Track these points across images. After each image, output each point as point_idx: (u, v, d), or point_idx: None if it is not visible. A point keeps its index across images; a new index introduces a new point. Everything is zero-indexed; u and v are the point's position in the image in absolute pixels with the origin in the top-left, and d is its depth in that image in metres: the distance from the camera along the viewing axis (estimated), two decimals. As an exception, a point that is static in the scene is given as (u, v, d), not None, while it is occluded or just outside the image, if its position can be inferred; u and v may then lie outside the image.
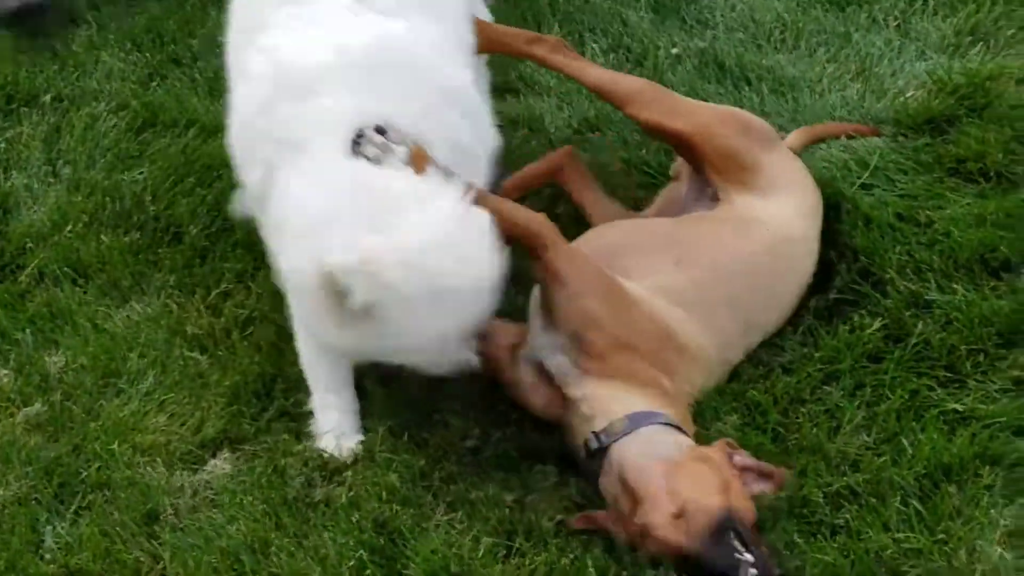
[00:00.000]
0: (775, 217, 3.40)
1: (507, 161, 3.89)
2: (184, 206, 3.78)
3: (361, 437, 3.08)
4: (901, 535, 2.83)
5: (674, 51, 4.48)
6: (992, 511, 2.88)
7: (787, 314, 3.37)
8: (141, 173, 3.94)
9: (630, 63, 4.46)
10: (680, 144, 3.44)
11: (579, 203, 3.60)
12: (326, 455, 3.03)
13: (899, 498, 2.91)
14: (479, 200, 2.78)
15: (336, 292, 2.58)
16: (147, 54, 4.63)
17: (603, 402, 2.91)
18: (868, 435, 3.10)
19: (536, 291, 3.12)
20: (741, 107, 4.18)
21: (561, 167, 3.60)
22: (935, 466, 2.97)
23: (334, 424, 3.07)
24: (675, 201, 3.57)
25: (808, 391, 3.20)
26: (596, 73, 3.55)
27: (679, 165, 3.63)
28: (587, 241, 3.30)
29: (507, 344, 3.08)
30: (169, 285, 3.58)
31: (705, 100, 4.21)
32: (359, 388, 3.17)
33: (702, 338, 3.12)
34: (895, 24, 4.60)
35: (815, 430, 3.08)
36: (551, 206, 3.66)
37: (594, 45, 4.55)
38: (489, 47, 3.50)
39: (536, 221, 3.04)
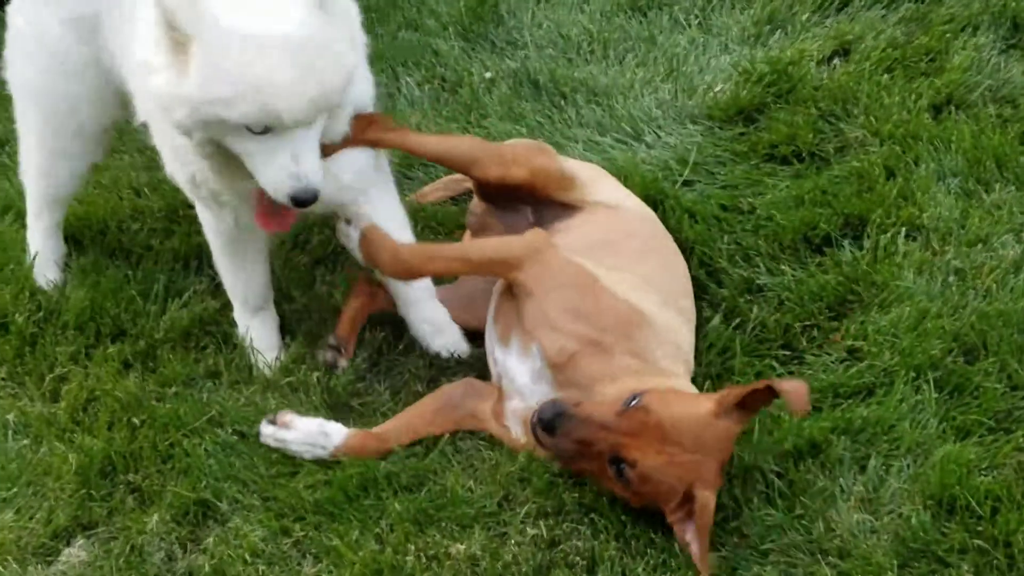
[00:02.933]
0: (626, 201, 3.49)
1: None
2: (7, 295, 3.66)
3: (276, 352, 3.34)
4: (761, 513, 2.89)
5: (487, 75, 4.52)
6: (842, 480, 2.97)
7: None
8: (-42, 267, 3.81)
9: (446, 91, 4.49)
10: (520, 187, 3.46)
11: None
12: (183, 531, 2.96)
13: (760, 479, 2.98)
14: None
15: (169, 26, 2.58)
16: (-48, 144, 4.50)
17: None
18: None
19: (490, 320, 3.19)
20: (559, 120, 4.27)
21: (374, 300, 3.51)
22: (794, 446, 3.05)
23: (253, 338, 3.28)
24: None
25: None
26: (432, 142, 3.55)
27: (475, 207, 3.64)
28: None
29: (493, 407, 3.14)
30: (0, 378, 3.45)
31: (523, 117, 4.28)
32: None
33: (680, 321, 3.18)
34: (696, 22, 4.73)
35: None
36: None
37: (408, 78, 4.57)
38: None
39: (500, 251, 3.13)
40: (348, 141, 3.07)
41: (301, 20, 2.67)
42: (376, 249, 3.16)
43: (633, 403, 2.76)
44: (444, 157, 3.52)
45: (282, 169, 2.76)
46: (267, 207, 2.95)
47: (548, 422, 2.79)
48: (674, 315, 3.18)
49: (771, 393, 2.77)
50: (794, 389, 2.76)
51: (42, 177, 3.65)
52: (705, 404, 2.80)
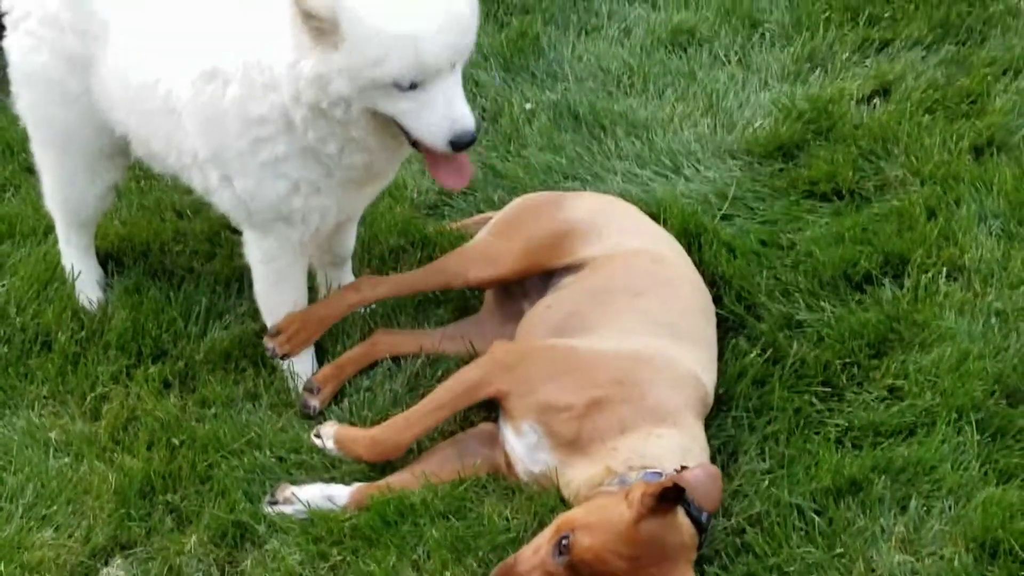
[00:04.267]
0: (634, 239, 3.49)
1: (374, 229, 3.93)
2: (51, 313, 3.69)
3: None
4: (801, 551, 2.87)
5: (528, 106, 4.55)
6: (882, 519, 2.95)
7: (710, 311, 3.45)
8: (3, 285, 3.84)
9: (486, 121, 4.52)
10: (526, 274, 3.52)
11: (417, 353, 3.55)
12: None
13: (796, 516, 2.97)
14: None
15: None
16: (-2, 166, 4.56)
17: (588, 475, 2.96)
18: (763, 462, 3.15)
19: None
20: (599, 152, 4.29)
21: (375, 347, 3.55)
22: (833, 483, 3.04)
23: (292, 362, 3.46)
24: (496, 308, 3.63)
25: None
26: (412, 276, 3.60)
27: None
28: (529, 331, 3.36)
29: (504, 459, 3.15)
30: (43, 396, 3.48)
31: (563, 148, 4.30)
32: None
33: (684, 352, 3.19)
34: (736, 59, 4.76)
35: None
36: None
37: (449, 108, 4.59)
38: (319, 329, 3.51)
39: (465, 380, 3.16)
40: None
41: None
42: (352, 445, 3.18)
43: (561, 554, 2.72)
44: (429, 284, 3.57)
45: (438, 117, 2.94)
46: (440, 163, 3.08)
47: None
48: (675, 345, 3.19)
49: (680, 489, 2.73)
50: (701, 483, 2.75)
51: (63, 202, 3.74)
52: (625, 514, 2.74)
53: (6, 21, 3.50)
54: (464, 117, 2.95)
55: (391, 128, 3.03)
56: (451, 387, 3.19)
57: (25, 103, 3.58)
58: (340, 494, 3.09)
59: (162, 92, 3.20)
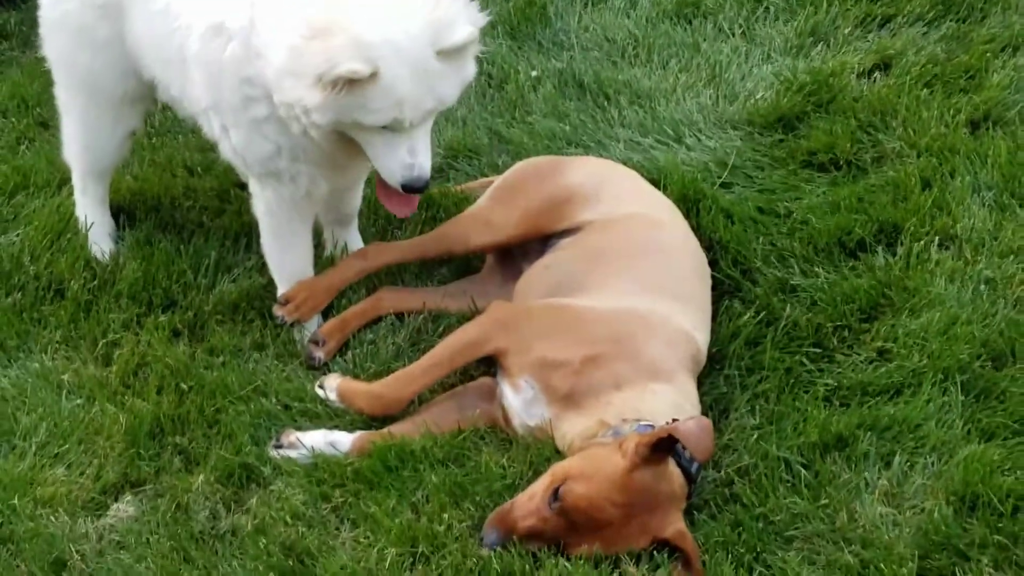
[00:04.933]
0: (632, 204, 3.57)
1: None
2: (64, 263, 3.79)
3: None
4: (787, 501, 2.97)
5: (533, 73, 4.63)
6: (867, 474, 3.05)
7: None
8: (17, 235, 3.94)
9: (492, 88, 4.60)
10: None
11: (420, 310, 3.63)
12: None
13: (783, 469, 3.06)
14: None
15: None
16: (13, 119, 4.65)
17: (581, 427, 3.05)
18: (753, 418, 3.25)
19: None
20: (603, 120, 4.37)
21: (379, 303, 3.64)
22: (820, 439, 3.13)
23: None
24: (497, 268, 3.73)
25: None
26: (417, 242, 3.71)
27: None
28: (527, 290, 3.45)
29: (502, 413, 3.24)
30: (56, 341, 3.58)
31: (567, 116, 4.38)
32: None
33: (679, 311, 3.28)
34: (740, 32, 4.83)
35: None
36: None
37: (456, 74, 4.67)
38: (327, 296, 3.60)
39: (464, 338, 3.24)
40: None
41: (430, 48, 3.04)
42: (354, 398, 3.26)
43: (555, 501, 2.82)
44: (441, 237, 3.66)
45: (399, 160, 3.14)
46: (391, 192, 3.28)
47: (492, 546, 2.85)
48: (669, 305, 3.28)
49: (673, 439, 2.84)
50: (694, 434, 2.86)
51: (84, 150, 3.84)
52: (619, 463, 2.84)
53: None
54: (422, 166, 3.15)
55: (353, 143, 3.19)
56: (450, 344, 3.27)
57: (54, 47, 3.68)
58: (343, 440, 3.19)
59: (178, 41, 3.30)
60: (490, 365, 3.34)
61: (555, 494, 2.83)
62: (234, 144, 3.35)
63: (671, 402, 3.08)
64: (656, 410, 3.03)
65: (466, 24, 3.08)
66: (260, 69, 3.13)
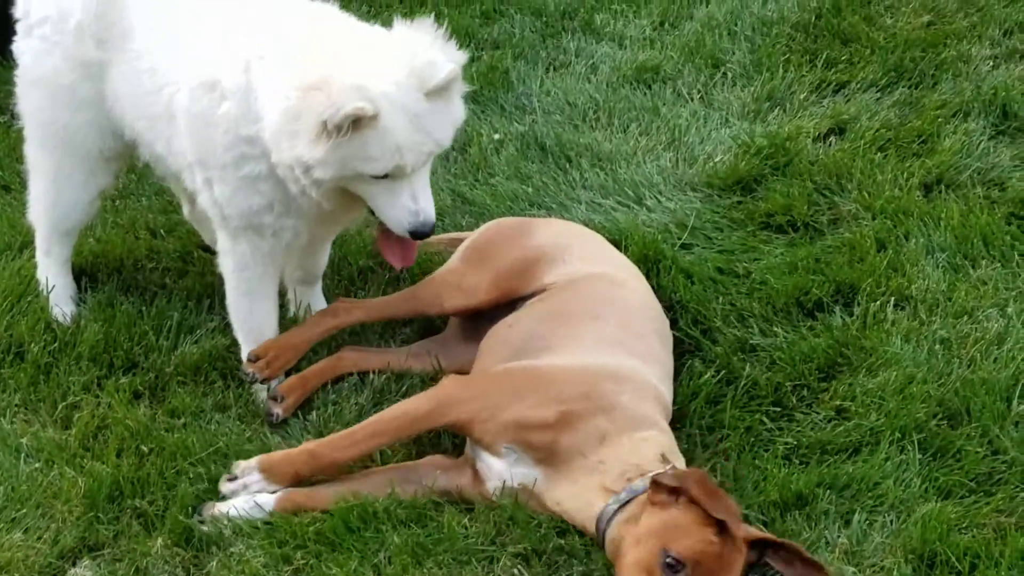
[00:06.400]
0: (594, 265, 3.61)
1: (343, 250, 4.04)
2: (24, 325, 3.78)
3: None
4: (747, 561, 2.98)
5: (496, 136, 4.69)
6: (827, 532, 3.07)
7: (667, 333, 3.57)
8: (-23, 297, 3.93)
9: (455, 151, 4.65)
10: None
11: (383, 369, 3.63)
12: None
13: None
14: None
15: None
16: (-26, 182, 4.65)
17: (579, 498, 3.05)
18: (715, 477, 3.26)
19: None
20: (564, 182, 4.43)
21: (340, 362, 3.64)
22: (780, 497, 3.16)
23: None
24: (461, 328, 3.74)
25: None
26: (387, 302, 3.72)
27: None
28: (491, 350, 3.46)
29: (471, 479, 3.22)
30: (15, 404, 3.55)
31: (530, 178, 4.44)
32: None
33: (642, 367, 3.30)
34: (699, 96, 4.93)
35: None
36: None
37: (420, 137, 4.72)
38: (296, 354, 3.58)
39: (413, 410, 3.22)
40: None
41: (419, 91, 3.11)
42: (280, 464, 3.19)
43: (679, 567, 2.80)
44: (408, 300, 3.68)
45: (403, 207, 3.20)
46: (391, 244, 3.34)
47: None
48: (632, 360, 3.31)
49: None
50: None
51: (52, 208, 3.83)
52: (679, 512, 2.87)
53: (20, 26, 3.63)
54: (426, 210, 3.21)
55: (353, 197, 3.24)
56: (397, 415, 3.24)
57: (31, 103, 3.70)
58: (267, 501, 3.15)
59: (166, 98, 3.35)
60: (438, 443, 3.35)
61: (672, 567, 2.80)
62: (216, 197, 3.38)
63: (664, 445, 3.09)
64: (651, 457, 3.04)
65: (447, 62, 3.15)
66: (259, 131, 3.20)
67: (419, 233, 3.23)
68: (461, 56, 3.23)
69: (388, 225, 3.26)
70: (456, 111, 3.24)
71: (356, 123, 3.03)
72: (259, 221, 3.36)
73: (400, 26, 3.24)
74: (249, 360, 3.53)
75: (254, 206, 3.33)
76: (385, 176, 3.15)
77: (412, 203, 3.19)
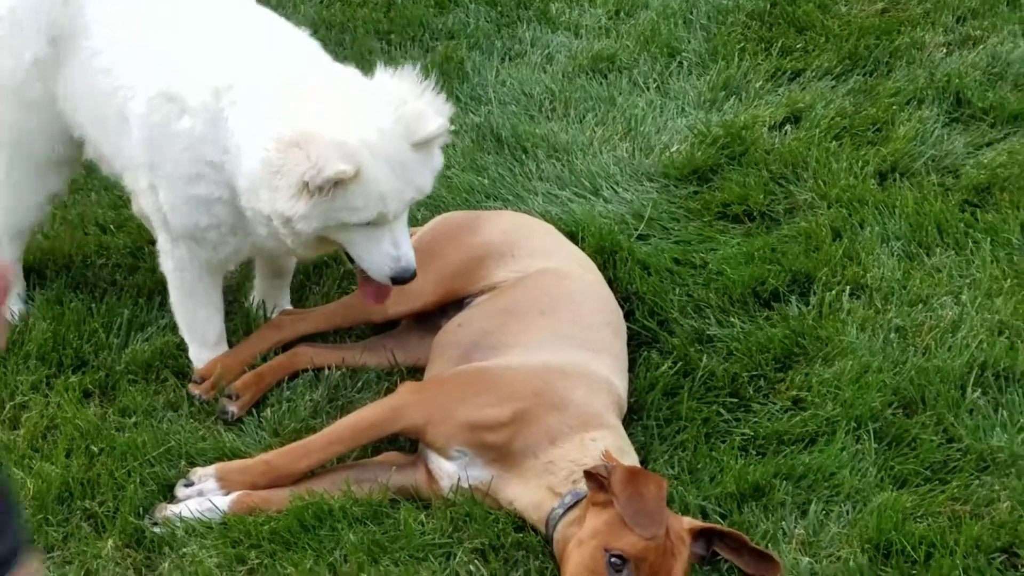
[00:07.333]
0: (546, 260, 3.58)
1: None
2: (-30, 324, 3.70)
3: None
4: (704, 553, 2.98)
5: (451, 128, 4.62)
6: (784, 523, 3.07)
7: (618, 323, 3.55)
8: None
9: (410, 143, 4.60)
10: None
11: (339, 365, 3.60)
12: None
13: (701, 519, 3.07)
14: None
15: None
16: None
17: (530, 498, 3.05)
18: (672, 468, 3.26)
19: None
20: (520, 174, 4.40)
21: (295, 358, 3.61)
22: (737, 488, 3.15)
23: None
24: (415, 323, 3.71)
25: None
26: (332, 311, 3.71)
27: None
28: (442, 350, 3.43)
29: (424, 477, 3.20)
30: (-39, 406, 3.49)
31: (485, 169, 4.40)
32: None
33: (594, 360, 3.29)
34: (655, 86, 4.91)
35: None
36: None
37: (374, 129, 4.68)
38: (242, 370, 3.54)
39: (369, 417, 3.20)
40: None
41: (405, 141, 3.12)
42: (239, 473, 3.16)
43: (622, 565, 2.79)
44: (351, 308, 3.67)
45: (385, 254, 3.20)
46: (368, 285, 3.33)
47: None
48: (585, 355, 3.30)
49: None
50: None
51: (2, 210, 3.75)
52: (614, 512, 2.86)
53: None
54: (407, 257, 3.22)
55: (328, 241, 3.22)
56: (353, 423, 3.22)
57: None
58: (221, 502, 3.11)
59: (119, 100, 3.29)
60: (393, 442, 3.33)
61: (615, 566, 2.79)
62: (161, 203, 3.33)
63: (613, 447, 3.07)
64: (599, 458, 3.01)
65: (436, 116, 3.16)
66: (227, 163, 3.17)
67: (400, 279, 3.23)
68: (448, 109, 3.24)
69: (369, 272, 3.24)
70: (437, 160, 3.25)
71: (339, 182, 3.01)
72: (202, 236, 3.34)
73: (383, 74, 3.23)
74: (194, 382, 3.50)
75: (201, 223, 3.30)
76: (367, 223, 3.14)
77: (393, 249, 3.19)
